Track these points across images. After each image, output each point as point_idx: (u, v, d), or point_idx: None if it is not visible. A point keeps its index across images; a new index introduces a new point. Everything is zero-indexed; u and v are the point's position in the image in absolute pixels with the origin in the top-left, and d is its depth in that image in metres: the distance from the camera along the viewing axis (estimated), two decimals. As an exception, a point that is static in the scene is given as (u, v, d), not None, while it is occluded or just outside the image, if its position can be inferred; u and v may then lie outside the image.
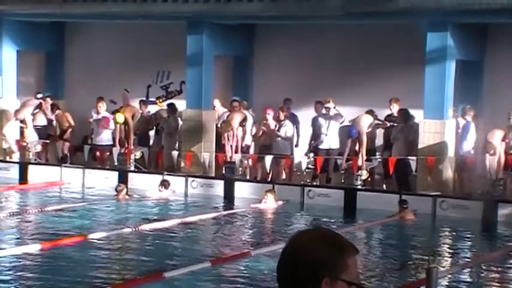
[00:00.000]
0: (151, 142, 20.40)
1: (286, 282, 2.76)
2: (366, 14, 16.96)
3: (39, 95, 21.08)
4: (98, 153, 20.05)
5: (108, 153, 19.92)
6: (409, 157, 17.23)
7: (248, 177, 18.76)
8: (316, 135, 18.53)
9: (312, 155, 18.68)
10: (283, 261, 2.77)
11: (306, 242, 2.75)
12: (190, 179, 18.27)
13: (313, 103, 18.73)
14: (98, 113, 19.95)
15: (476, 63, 18.01)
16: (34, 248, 11.94)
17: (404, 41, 17.87)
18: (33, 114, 20.67)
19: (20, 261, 11.48)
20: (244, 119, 18.96)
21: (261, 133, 19.06)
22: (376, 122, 18.14)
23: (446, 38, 16.83)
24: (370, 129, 17.99)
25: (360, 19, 17.49)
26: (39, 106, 20.84)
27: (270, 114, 18.78)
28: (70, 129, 20.48)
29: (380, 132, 18.38)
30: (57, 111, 20.57)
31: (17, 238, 13.19)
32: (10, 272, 11.01)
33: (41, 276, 10.77)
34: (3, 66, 20.93)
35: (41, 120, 20.71)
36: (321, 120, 18.38)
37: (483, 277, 12.02)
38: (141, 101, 20.53)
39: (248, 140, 19.30)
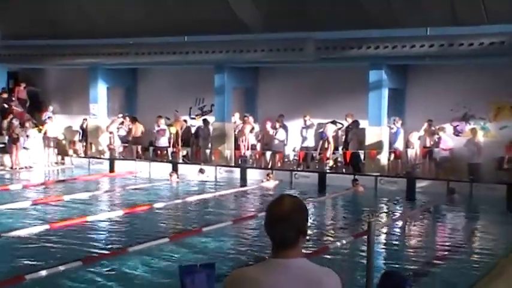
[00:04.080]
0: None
1: (281, 238, 2.29)
2: (330, 59, 17.12)
3: (121, 114, 21.22)
4: (158, 152, 20.20)
5: (165, 152, 20.06)
6: (359, 151, 17.40)
7: (255, 166, 18.84)
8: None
9: (297, 149, 18.77)
10: (279, 221, 2.28)
11: (292, 207, 2.31)
12: (218, 168, 18.38)
13: (298, 117, 18.71)
14: (158, 126, 20.09)
15: (401, 90, 18.16)
16: (119, 213, 11.97)
17: (355, 76, 17.96)
18: (118, 128, 20.88)
19: (105, 224, 11.25)
20: (252, 128, 19.11)
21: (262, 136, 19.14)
22: (339, 127, 18.21)
23: (382, 74, 17.02)
24: (334, 134, 18.17)
25: (327, 62, 17.62)
26: (121, 123, 21.02)
27: (268, 124, 18.94)
28: (142, 136, 20.66)
29: (341, 135, 18.45)
30: (136, 123, 20.76)
31: (109, 206, 13.24)
32: (99, 232, 10.86)
33: (120, 233, 10.60)
34: (99, 97, 21.16)
35: (122, 132, 20.97)
36: (303, 128, 18.55)
37: (407, 227, 12.13)
38: (184, 120, 20.55)
39: (255, 142, 19.41)
